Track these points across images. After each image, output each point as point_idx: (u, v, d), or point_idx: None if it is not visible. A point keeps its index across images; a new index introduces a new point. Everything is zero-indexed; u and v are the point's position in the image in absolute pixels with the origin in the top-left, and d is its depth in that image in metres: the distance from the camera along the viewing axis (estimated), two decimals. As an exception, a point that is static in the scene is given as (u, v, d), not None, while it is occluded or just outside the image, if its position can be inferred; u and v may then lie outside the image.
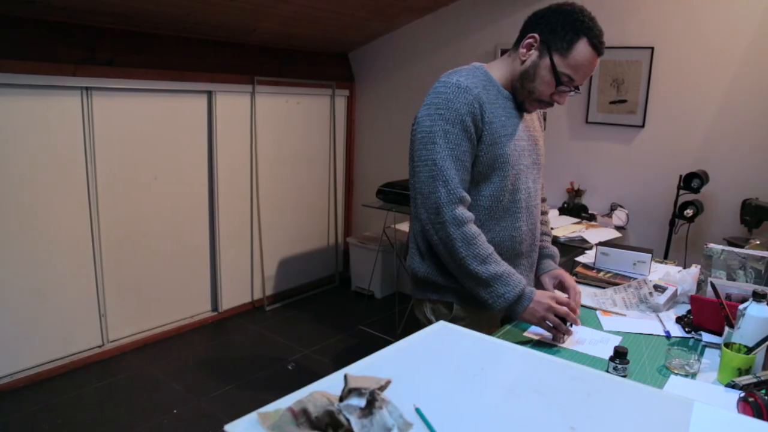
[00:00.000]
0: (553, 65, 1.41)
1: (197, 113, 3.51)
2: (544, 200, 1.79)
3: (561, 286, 1.62)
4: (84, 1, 2.63)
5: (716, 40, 2.97)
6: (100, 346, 3.20)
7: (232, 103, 3.67)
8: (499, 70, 1.51)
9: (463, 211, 1.40)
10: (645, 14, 3.17)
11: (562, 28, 1.39)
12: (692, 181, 2.90)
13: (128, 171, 3.19)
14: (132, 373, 3.07)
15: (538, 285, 1.68)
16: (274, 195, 4.06)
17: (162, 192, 3.38)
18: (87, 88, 2.93)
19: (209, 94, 3.53)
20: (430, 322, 1.50)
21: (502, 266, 1.42)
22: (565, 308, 1.39)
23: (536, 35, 1.42)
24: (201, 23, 3.21)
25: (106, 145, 3.06)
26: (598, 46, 1.39)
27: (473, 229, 1.41)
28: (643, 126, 3.25)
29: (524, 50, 1.44)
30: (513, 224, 1.51)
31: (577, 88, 1.45)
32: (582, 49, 1.38)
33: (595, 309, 1.64)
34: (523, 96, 1.49)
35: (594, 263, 1.99)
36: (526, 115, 1.56)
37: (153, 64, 3.21)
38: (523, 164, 1.51)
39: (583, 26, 1.38)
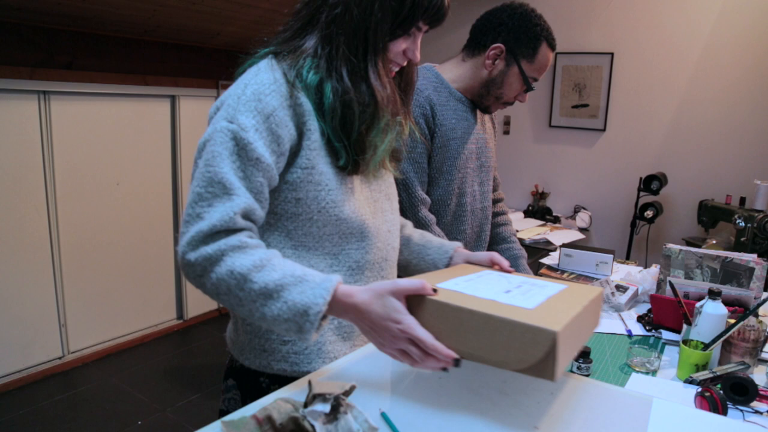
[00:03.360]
0: (522, 72, 1.45)
1: (160, 118, 3.45)
2: (501, 200, 1.81)
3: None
4: (41, 2, 2.56)
5: (672, 46, 3.07)
6: (60, 358, 3.10)
7: (197, 108, 3.61)
8: (451, 72, 1.53)
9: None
10: (605, 21, 3.25)
11: (525, 35, 1.42)
12: (652, 183, 2.98)
13: (89, 177, 3.11)
14: (94, 384, 2.99)
15: None
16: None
17: (125, 198, 3.31)
18: (44, 92, 2.84)
19: (172, 98, 3.47)
20: None
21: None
22: None
23: (501, 45, 1.44)
24: (163, 26, 3.16)
25: (65, 151, 2.98)
26: (553, 44, 1.47)
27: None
28: (604, 129, 3.33)
29: (490, 61, 1.46)
30: (458, 227, 1.53)
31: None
32: (544, 51, 1.45)
33: (560, 309, 1.67)
34: (489, 101, 1.52)
35: (558, 265, 2.02)
36: (478, 118, 1.58)
37: (114, 67, 3.14)
38: (470, 167, 1.53)
39: (543, 30, 1.44)
